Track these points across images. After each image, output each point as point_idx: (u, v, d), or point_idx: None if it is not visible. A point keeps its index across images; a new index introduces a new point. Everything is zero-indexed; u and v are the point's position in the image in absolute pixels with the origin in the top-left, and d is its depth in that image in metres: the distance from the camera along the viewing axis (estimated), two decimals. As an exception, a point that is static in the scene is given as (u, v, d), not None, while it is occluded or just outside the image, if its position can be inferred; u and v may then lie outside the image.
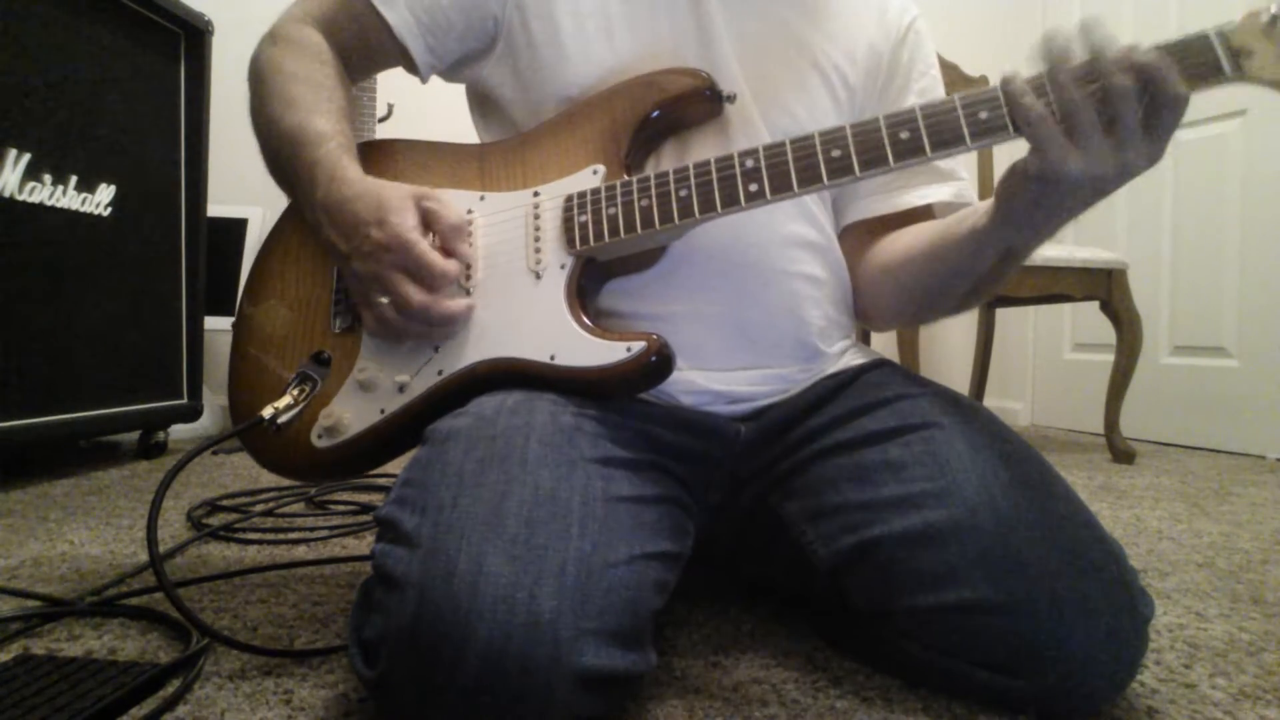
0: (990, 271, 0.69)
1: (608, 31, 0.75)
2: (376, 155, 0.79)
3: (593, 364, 0.64)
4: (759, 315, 0.74)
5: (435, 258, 0.65)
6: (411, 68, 0.79)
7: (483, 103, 0.83)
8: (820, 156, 0.61)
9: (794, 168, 0.61)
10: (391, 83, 2.20)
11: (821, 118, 0.77)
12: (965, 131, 0.57)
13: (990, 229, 0.64)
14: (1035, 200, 0.59)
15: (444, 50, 0.78)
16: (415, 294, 0.65)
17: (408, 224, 0.65)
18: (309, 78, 0.74)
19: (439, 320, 0.67)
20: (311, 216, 0.70)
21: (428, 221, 0.67)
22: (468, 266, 0.70)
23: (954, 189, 0.80)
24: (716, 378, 0.74)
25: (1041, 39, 0.54)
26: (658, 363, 0.63)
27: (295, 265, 0.81)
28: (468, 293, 0.69)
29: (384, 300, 0.66)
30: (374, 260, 0.65)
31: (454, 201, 0.70)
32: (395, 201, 0.65)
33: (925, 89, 0.82)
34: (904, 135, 0.58)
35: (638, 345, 0.63)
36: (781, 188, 0.62)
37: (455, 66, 0.81)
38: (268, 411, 0.72)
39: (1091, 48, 0.53)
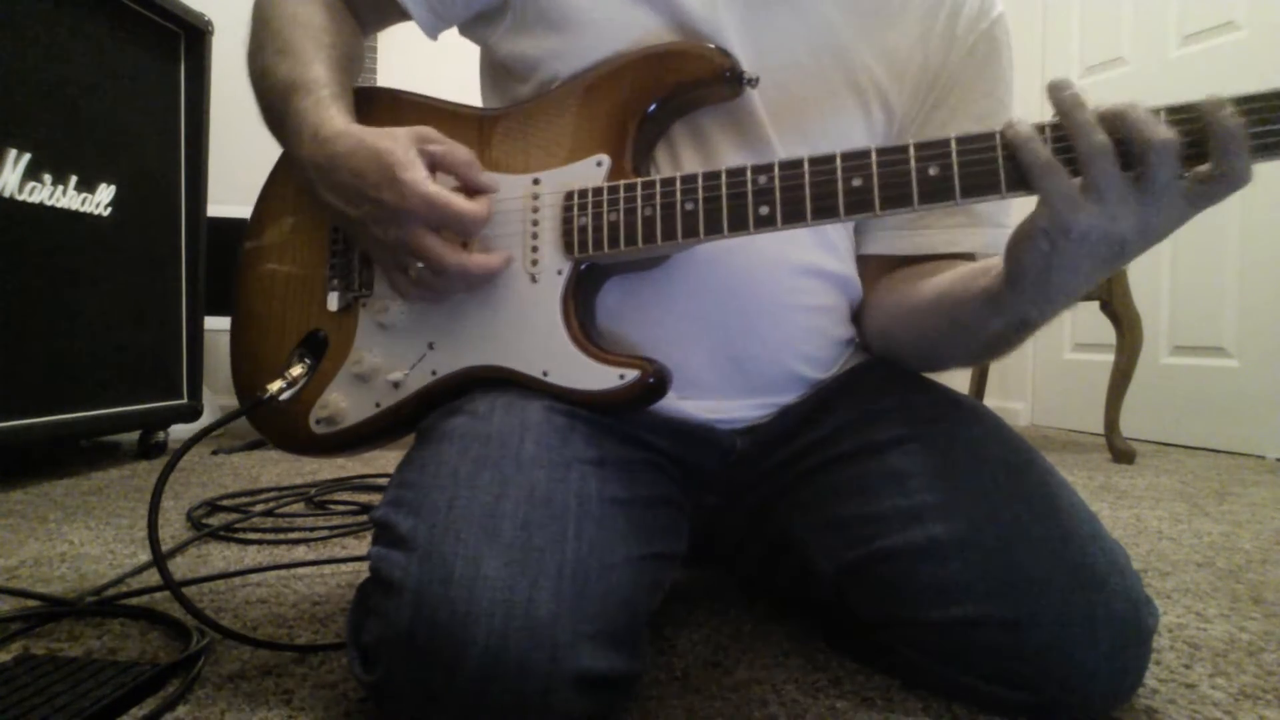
0: (998, 338, 0.62)
1: (624, 7, 0.68)
2: (372, 106, 0.74)
3: (584, 387, 0.63)
4: (759, 353, 0.70)
5: (463, 205, 0.59)
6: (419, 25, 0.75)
7: (495, 69, 0.77)
8: (839, 184, 0.55)
9: (809, 194, 0.56)
10: (391, 79, 2.20)
11: (842, 140, 0.68)
12: (1002, 178, 0.51)
13: (1000, 293, 0.57)
14: (1046, 261, 0.52)
15: (448, 12, 0.74)
16: (449, 255, 0.61)
17: (420, 177, 0.59)
18: (308, 22, 0.70)
19: (479, 279, 0.63)
20: (302, 176, 0.66)
21: (435, 165, 0.62)
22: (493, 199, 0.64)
23: (987, 238, 0.71)
24: (709, 407, 0.71)
25: (1050, 85, 0.49)
26: (653, 387, 0.61)
27: (292, 220, 0.76)
28: None
29: (419, 265, 0.61)
30: (395, 225, 0.60)
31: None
32: (399, 154, 0.59)
33: (983, 115, 0.70)
34: (933, 171, 0.52)
35: (631, 374, 0.61)
36: (794, 216, 0.56)
37: (465, 26, 0.77)
38: (270, 390, 0.70)
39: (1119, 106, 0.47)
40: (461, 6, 0.74)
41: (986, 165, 0.51)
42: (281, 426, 0.74)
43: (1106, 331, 2.03)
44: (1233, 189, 0.47)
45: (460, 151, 0.63)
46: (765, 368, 0.71)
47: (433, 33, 0.76)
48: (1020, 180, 0.51)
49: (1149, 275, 2.27)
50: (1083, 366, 2.53)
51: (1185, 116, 0.47)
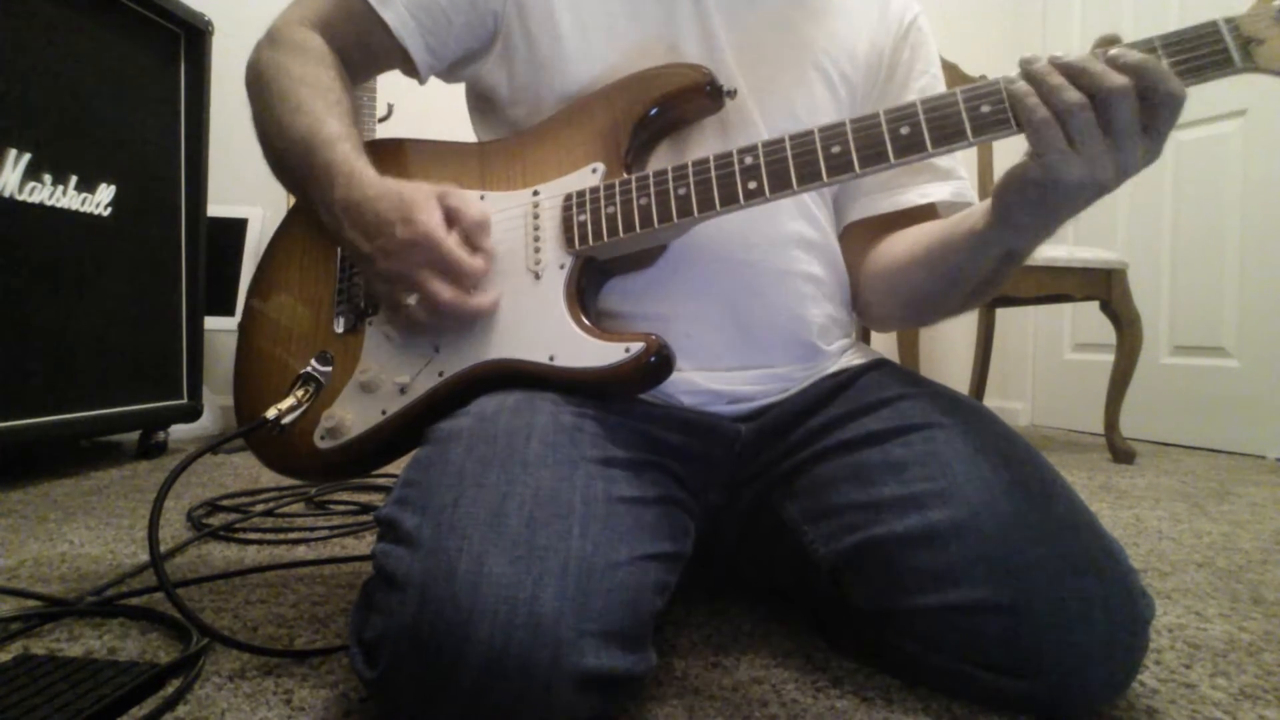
0: (991, 273, 0.68)
1: (607, 29, 0.74)
2: (378, 155, 0.77)
3: (591, 365, 0.64)
4: (759, 314, 0.74)
5: (463, 254, 0.64)
6: (410, 69, 0.78)
7: (481, 102, 0.83)
8: (820, 153, 0.60)
9: (793, 165, 0.61)
10: (391, 81, 2.20)
11: (821, 115, 0.76)
12: (967, 126, 0.56)
13: (988, 231, 0.64)
14: (1035, 204, 0.58)
15: (443, 50, 0.77)
16: (444, 291, 0.64)
17: (434, 220, 0.64)
18: (314, 80, 0.73)
19: (469, 316, 0.66)
20: (329, 217, 0.69)
21: (450, 219, 0.66)
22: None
23: (954, 188, 0.80)
24: (716, 378, 0.73)
25: (1021, 62, 0.55)
26: (656, 363, 0.63)
27: (299, 267, 0.81)
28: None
29: (412, 300, 0.65)
30: (400, 259, 0.64)
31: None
32: (419, 199, 0.65)
33: (925, 88, 0.81)
34: (904, 130, 0.58)
35: (636, 346, 0.63)
36: (780, 185, 0.61)
37: (454, 66, 0.80)
38: (271, 413, 0.72)
39: (1077, 59, 0.53)
40: (454, 40, 0.77)
41: (952, 118, 0.57)
42: (285, 447, 0.75)
43: (1106, 331, 2.03)
44: (1176, 110, 0.53)
45: (475, 212, 0.67)
46: (768, 331, 0.75)
47: (425, 73, 0.79)
48: (985, 128, 0.56)
49: (1149, 275, 2.27)
50: (1083, 366, 2.53)
51: (1127, 63, 0.53)
